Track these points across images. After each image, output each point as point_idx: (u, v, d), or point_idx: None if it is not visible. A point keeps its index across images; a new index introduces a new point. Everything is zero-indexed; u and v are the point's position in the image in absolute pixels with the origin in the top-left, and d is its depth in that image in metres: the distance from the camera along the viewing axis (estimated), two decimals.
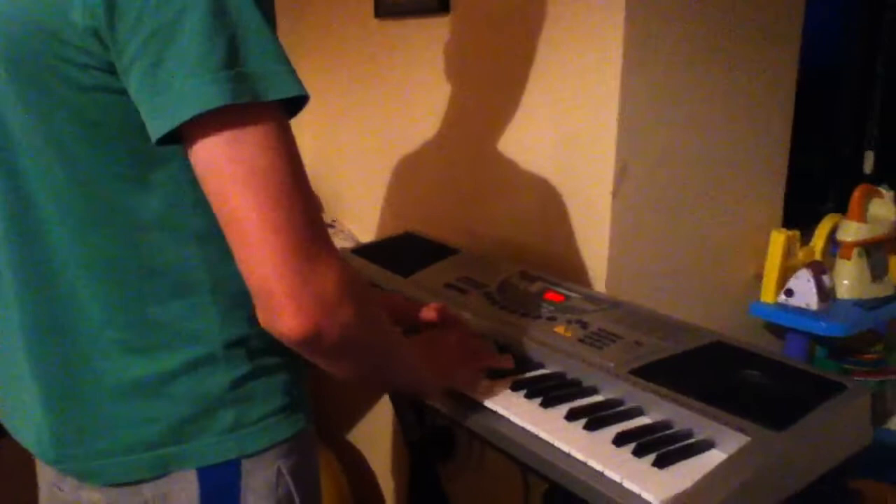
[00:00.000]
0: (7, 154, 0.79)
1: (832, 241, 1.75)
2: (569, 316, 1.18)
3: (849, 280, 1.70)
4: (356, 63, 2.02)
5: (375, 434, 2.15)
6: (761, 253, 1.69)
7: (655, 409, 0.96)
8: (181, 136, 0.68)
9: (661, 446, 0.87)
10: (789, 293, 1.63)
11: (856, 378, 1.62)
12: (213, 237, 0.76)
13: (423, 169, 1.85)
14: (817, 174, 2.12)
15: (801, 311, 1.61)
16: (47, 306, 0.82)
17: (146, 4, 0.65)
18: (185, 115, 0.66)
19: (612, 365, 1.03)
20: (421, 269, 1.43)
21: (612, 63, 1.36)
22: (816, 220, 1.78)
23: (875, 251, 1.73)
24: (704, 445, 0.88)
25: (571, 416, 0.95)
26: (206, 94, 0.65)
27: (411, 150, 1.85)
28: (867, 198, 1.74)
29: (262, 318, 0.72)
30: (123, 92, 0.70)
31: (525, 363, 1.11)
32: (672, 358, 1.04)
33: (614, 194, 1.40)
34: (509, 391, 1.03)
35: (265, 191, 0.68)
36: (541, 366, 1.11)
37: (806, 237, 1.74)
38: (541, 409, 0.98)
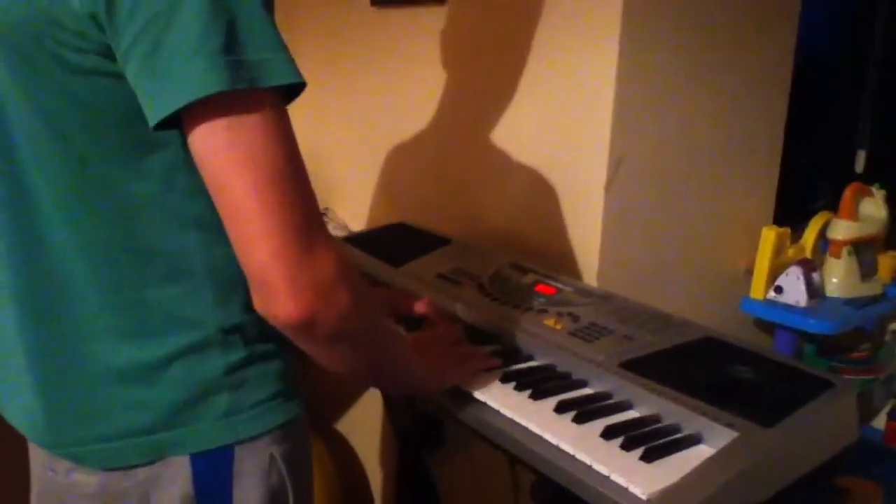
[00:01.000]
0: (2, 137, 0.79)
1: (823, 239, 1.76)
2: (560, 308, 1.18)
3: (838, 278, 1.71)
4: (351, 51, 2.01)
5: (364, 423, 2.15)
6: (752, 249, 1.69)
7: (644, 403, 0.96)
8: (179, 122, 0.68)
9: (649, 440, 0.87)
10: (779, 290, 1.63)
11: (844, 376, 1.63)
12: (208, 222, 0.76)
13: (416, 159, 1.84)
14: (809, 172, 2.13)
15: (790, 308, 1.61)
16: (41, 290, 0.82)
17: None
18: (183, 100, 0.66)
19: (601, 358, 1.03)
20: (413, 259, 1.43)
21: (607, 57, 1.36)
22: (807, 218, 1.78)
23: (865, 250, 1.74)
24: (692, 440, 0.88)
25: (560, 408, 0.95)
26: (204, 80, 0.65)
27: (405, 139, 1.85)
28: (858, 196, 1.75)
29: (259, 303, 0.72)
30: (120, 76, 0.70)
31: (515, 355, 1.11)
32: (662, 352, 1.05)
33: (607, 188, 1.40)
34: (499, 382, 1.03)
35: (263, 177, 0.68)
36: (531, 358, 1.11)
37: (797, 234, 1.75)
38: (530, 401, 0.98)
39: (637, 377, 0.98)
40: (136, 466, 0.82)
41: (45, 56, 0.72)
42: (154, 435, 0.81)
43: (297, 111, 0.71)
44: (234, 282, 0.79)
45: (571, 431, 0.91)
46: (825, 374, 0.98)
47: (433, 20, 1.70)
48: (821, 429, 0.91)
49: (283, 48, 0.71)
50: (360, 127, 2.03)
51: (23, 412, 0.88)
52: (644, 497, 0.78)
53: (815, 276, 1.65)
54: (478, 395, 1.01)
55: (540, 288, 1.25)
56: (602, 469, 0.83)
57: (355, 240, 1.62)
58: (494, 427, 0.96)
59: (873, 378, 1.90)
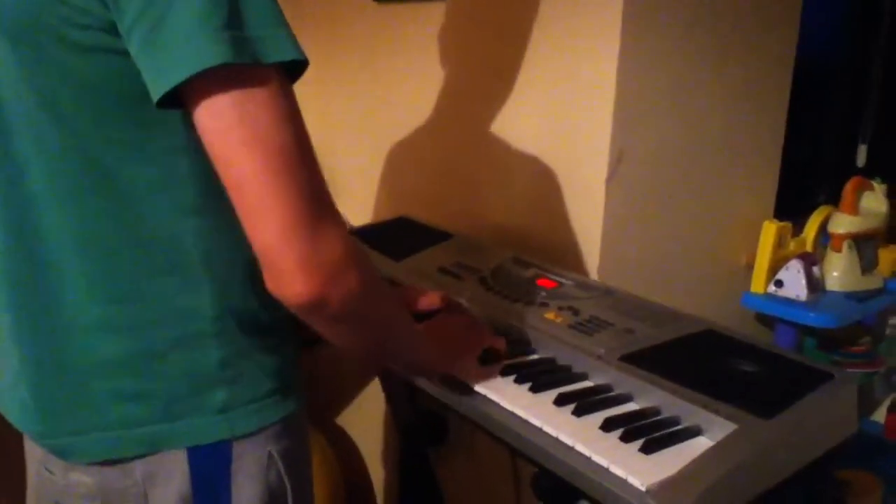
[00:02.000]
0: None
1: (823, 233, 1.76)
2: (561, 302, 1.18)
3: (839, 272, 1.71)
4: (353, 46, 2.01)
5: (366, 418, 2.15)
6: (753, 243, 1.69)
7: (644, 396, 0.96)
8: (184, 100, 0.68)
9: (649, 432, 0.87)
10: (779, 284, 1.63)
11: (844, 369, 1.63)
12: (206, 210, 0.76)
13: (417, 153, 1.85)
14: (810, 166, 2.13)
15: (791, 302, 1.62)
16: (34, 279, 0.81)
17: None
18: (185, 72, 0.65)
19: (602, 351, 1.04)
20: (414, 253, 1.43)
21: (608, 51, 1.36)
22: (808, 212, 1.79)
23: (865, 244, 1.74)
24: (692, 432, 0.88)
25: (560, 401, 0.96)
26: (207, 53, 0.65)
27: (406, 134, 1.85)
28: (859, 190, 1.74)
29: (269, 282, 0.71)
30: (124, 53, 0.69)
31: (516, 348, 1.12)
32: (662, 345, 1.05)
33: (608, 182, 1.40)
34: (500, 376, 1.03)
35: (272, 155, 0.67)
36: (532, 351, 1.11)
37: (797, 228, 1.75)
38: (530, 394, 0.99)
39: (637, 370, 0.98)
40: (132, 460, 0.81)
41: (45, 35, 0.71)
42: (148, 426, 0.80)
43: (299, 105, 0.71)
44: (230, 273, 0.79)
45: (571, 424, 0.91)
46: (824, 367, 0.98)
47: (435, 15, 1.70)
48: (820, 421, 0.92)
49: (286, 25, 0.70)
50: (361, 121, 2.03)
51: (16, 403, 0.87)
52: (643, 488, 0.78)
53: (816, 270, 1.65)
54: (479, 388, 1.01)
55: (541, 282, 1.26)
56: (601, 461, 0.83)
57: (357, 234, 1.62)
58: (495, 420, 0.96)
59: (874, 372, 1.90)
